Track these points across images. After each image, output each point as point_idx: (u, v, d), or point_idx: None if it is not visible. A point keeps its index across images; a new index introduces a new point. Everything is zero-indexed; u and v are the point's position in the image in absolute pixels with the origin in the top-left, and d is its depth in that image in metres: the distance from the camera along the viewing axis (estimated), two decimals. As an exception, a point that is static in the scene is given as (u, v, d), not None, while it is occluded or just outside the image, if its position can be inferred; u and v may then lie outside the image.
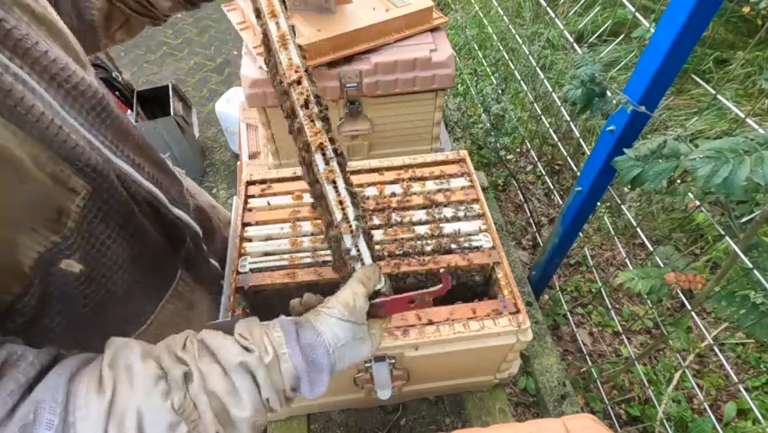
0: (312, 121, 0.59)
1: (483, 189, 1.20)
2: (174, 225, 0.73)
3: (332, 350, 0.52)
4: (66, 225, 0.51)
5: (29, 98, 0.46)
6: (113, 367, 0.44)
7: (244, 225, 1.05)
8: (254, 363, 0.48)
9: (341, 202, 0.60)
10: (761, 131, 0.76)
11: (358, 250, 0.60)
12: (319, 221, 1.06)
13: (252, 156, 1.71)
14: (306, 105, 0.60)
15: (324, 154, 0.59)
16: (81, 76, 0.56)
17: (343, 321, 0.52)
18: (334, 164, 0.60)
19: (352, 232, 0.60)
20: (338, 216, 0.60)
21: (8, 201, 0.44)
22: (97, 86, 0.59)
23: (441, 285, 0.59)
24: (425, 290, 0.59)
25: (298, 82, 0.61)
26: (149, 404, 0.43)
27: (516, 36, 2.00)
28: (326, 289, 0.72)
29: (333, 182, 0.60)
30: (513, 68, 2.14)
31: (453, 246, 1.00)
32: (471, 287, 1.04)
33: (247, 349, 0.48)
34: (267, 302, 0.98)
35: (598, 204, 1.43)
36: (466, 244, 1.01)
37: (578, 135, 1.53)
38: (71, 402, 0.41)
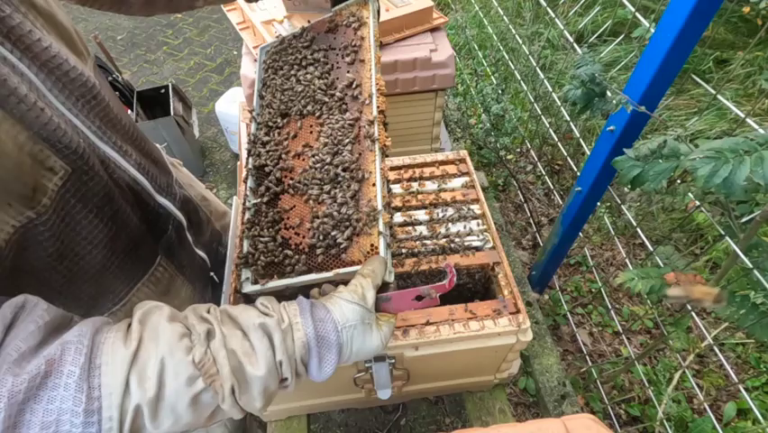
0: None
1: (483, 189, 1.20)
2: (157, 212, 0.75)
3: (340, 327, 0.54)
4: (41, 201, 0.53)
5: (13, 81, 0.49)
6: (142, 323, 0.47)
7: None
8: (272, 326, 0.51)
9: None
10: (761, 131, 0.76)
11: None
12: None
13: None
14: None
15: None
16: (73, 65, 0.58)
17: (352, 303, 0.55)
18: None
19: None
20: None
21: None
22: (91, 75, 0.62)
23: (447, 279, 0.60)
24: (431, 285, 0.60)
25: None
26: (171, 356, 0.45)
27: (516, 36, 2.00)
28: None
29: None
30: (513, 68, 2.14)
31: (453, 246, 1.00)
32: (471, 287, 1.04)
33: (266, 314, 0.53)
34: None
35: (598, 204, 1.43)
36: (466, 244, 1.01)
37: (578, 135, 1.53)
38: (97, 347, 0.44)
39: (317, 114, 0.75)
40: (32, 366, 0.40)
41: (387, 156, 0.73)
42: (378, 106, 0.72)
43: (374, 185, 0.68)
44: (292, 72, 0.82)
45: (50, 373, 0.41)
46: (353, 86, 0.75)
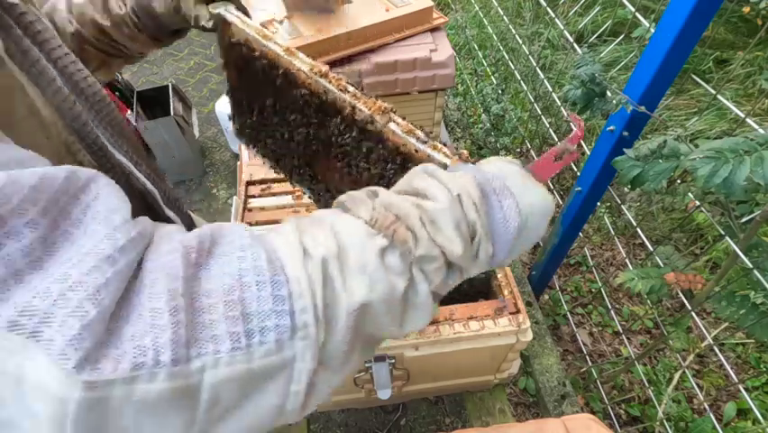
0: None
1: (483, 189, 1.19)
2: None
3: (496, 176, 0.45)
4: None
5: (50, 72, 0.49)
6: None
7: (244, 225, 1.05)
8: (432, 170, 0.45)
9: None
10: (761, 131, 0.76)
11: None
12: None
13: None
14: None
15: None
16: (87, 74, 0.58)
17: (500, 160, 0.49)
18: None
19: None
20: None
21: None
22: (101, 88, 0.62)
23: (576, 129, 0.54)
24: (564, 141, 0.54)
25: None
26: (340, 220, 0.40)
27: (516, 36, 2.00)
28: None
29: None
30: (513, 68, 2.14)
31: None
32: (471, 287, 1.04)
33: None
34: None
35: (598, 204, 1.43)
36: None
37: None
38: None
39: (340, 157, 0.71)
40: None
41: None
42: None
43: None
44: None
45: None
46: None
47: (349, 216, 0.41)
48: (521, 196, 0.45)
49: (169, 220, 0.73)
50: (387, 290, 0.38)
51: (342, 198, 0.43)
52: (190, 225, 0.84)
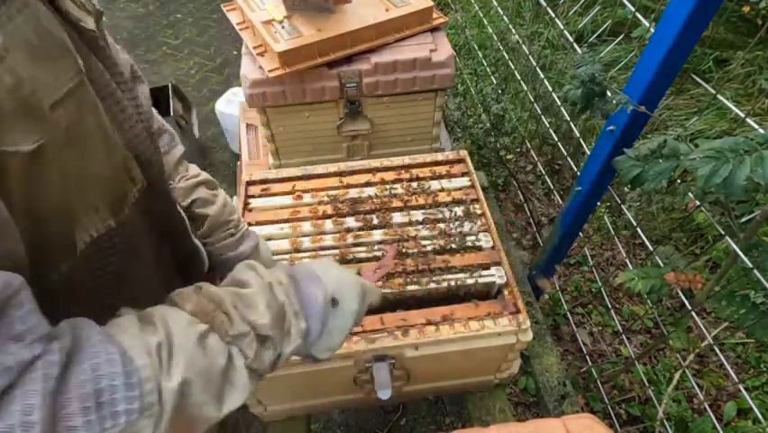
0: None
1: (483, 189, 1.20)
2: (192, 253, 0.74)
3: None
4: (123, 211, 0.51)
5: (118, 93, 0.50)
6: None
7: (244, 225, 1.05)
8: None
9: None
10: (761, 131, 0.76)
11: None
12: (318, 221, 1.06)
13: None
14: None
15: None
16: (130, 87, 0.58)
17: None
18: None
19: None
20: None
21: (95, 171, 0.45)
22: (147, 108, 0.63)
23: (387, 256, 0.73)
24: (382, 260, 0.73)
25: None
26: (171, 313, 0.46)
27: (516, 36, 2.00)
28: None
29: None
30: (513, 68, 2.14)
31: (453, 246, 1.00)
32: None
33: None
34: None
35: (598, 204, 1.43)
36: (466, 244, 1.01)
37: (578, 135, 1.53)
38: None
39: None
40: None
41: None
42: None
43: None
44: None
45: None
46: None
47: (176, 309, 0.47)
48: (327, 277, 0.56)
49: (195, 248, 0.74)
50: (205, 366, 0.44)
51: (172, 294, 0.50)
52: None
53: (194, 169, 0.82)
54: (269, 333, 0.49)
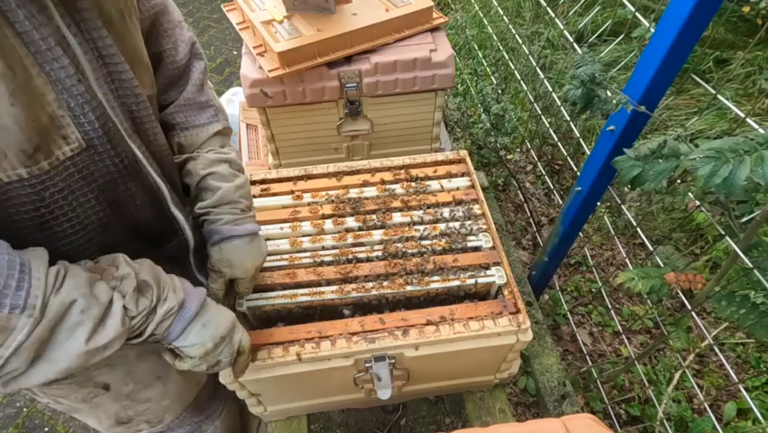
0: None
1: (483, 189, 1.20)
2: (168, 222, 0.75)
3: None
4: (38, 162, 0.53)
5: (57, 51, 0.52)
6: None
7: (244, 225, 1.04)
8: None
9: None
10: (761, 131, 0.76)
11: None
12: (318, 221, 1.06)
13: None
14: None
15: None
16: (126, 68, 0.61)
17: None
18: None
19: None
20: None
21: None
22: (137, 86, 0.63)
23: None
24: None
25: None
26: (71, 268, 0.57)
27: (516, 36, 2.00)
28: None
29: None
30: (513, 67, 2.14)
31: (453, 246, 1.00)
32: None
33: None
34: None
35: (598, 204, 1.43)
36: (466, 245, 1.01)
37: (578, 135, 1.53)
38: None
39: None
40: None
41: None
42: None
43: None
44: None
45: None
46: None
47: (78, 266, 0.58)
48: (208, 307, 0.69)
49: (174, 219, 0.75)
50: (88, 294, 0.54)
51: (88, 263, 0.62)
52: (195, 227, 0.84)
53: (230, 149, 0.84)
54: (148, 279, 0.61)
